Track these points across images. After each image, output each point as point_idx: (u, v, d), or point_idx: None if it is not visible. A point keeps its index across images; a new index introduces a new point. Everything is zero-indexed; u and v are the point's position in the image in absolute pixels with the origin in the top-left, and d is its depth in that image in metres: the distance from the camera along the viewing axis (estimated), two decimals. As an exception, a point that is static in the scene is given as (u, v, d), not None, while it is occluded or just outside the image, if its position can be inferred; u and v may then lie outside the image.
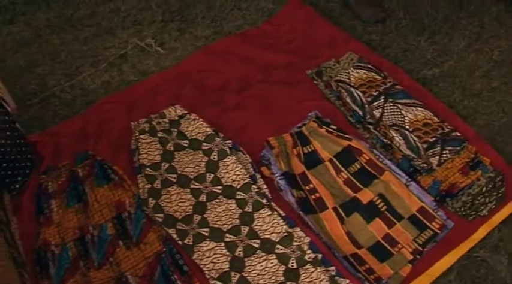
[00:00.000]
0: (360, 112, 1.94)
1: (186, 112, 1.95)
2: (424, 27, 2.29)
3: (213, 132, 1.90)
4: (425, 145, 1.85)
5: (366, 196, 1.74)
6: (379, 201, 1.73)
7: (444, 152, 1.84)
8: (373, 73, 2.03)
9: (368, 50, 2.15)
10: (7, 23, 2.32)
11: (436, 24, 2.30)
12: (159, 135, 1.90)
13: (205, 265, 1.62)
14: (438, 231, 1.67)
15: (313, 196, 1.75)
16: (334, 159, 1.82)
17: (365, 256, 1.63)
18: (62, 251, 1.65)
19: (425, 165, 1.80)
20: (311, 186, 1.77)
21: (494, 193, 1.75)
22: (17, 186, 1.79)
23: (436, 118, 1.91)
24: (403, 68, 2.11)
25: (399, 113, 1.91)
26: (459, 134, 1.88)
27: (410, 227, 1.68)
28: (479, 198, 1.74)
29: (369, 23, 2.31)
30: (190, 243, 1.67)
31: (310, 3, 2.37)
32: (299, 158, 1.82)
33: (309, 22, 2.25)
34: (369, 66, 2.05)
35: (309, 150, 1.85)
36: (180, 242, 1.67)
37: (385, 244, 1.65)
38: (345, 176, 1.79)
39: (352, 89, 2.00)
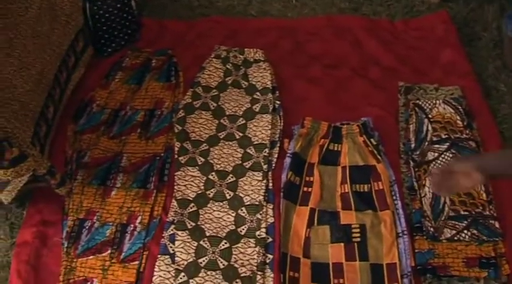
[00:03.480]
0: (413, 145, 1.75)
1: (263, 59, 2.00)
2: None
3: (270, 88, 1.93)
4: (452, 213, 1.59)
5: (347, 217, 1.61)
6: (357, 230, 1.59)
7: (466, 232, 1.56)
8: (458, 118, 1.76)
9: (479, 94, 1.85)
10: None
11: None
12: (228, 66, 1.99)
13: (178, 184, 1.73)
14: (389, 297, 1.49)
15: (305, 189, 1.69)
16: (348, 169, 1.71)
17: (304, 266, 1.55)
18: (98, 112, 1.92)
19: (433, 231, 1.56)
20: (311, 179, 1.70)
21: (483, 306, 1.46)
22: (109, 50, 2.10)
23: (484, 195, 1.61)
24: (501, 131, 1.78)
25: (452, 168, 1.66)
26: (498, 226, 1.56)
27: (366, 273, 1.53)
28: (462, 298, 1.48)
29: (507, 69, 1.95)
30: (182, 162, 1.78)
31: (464, 25, 2.08)
32: (320, 149, 1.75)
33: (442, 40, 2.00)
34: (460, 108, 1.78)
35: (335, 148, 1.76)
36: (176, 156, 1.80)
37: (330, 271, 1.54)
38: (346, 190, 1.67)
39: (425, 120, 1.78)
